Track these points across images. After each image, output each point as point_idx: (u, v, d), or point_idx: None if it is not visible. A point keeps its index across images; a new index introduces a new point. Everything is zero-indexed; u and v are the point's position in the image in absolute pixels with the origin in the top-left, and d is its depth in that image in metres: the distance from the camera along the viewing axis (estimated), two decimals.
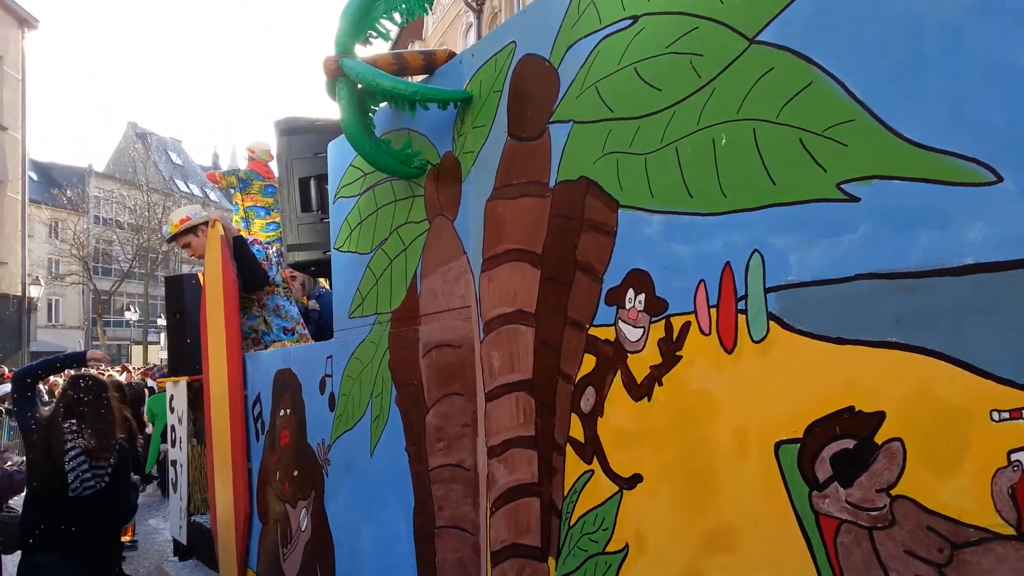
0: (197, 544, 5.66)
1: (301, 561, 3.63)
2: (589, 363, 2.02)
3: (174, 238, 4.97)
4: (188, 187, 56.05)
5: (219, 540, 4.50)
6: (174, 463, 5.61)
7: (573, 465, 2.07)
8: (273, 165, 6.86)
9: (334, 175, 3.43)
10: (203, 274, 6.26)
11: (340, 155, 3.38)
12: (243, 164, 7.17)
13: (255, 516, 4.19)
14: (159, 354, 36.33)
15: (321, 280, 6.42)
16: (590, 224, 2.03)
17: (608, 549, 1.94)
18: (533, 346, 2.23)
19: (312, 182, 3.97)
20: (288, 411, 3.77)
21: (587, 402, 2.02)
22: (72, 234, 40.14)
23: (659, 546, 1.81)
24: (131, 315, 40.16)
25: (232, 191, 6.99)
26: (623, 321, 1.91)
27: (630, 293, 1.90)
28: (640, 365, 1.86)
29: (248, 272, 4.59)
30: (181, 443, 5.34)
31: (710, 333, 1.69)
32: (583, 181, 2.06)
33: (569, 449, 2.09)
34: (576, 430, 2.06)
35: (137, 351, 43.12)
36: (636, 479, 1.87)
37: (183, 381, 5.29)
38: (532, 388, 2.23)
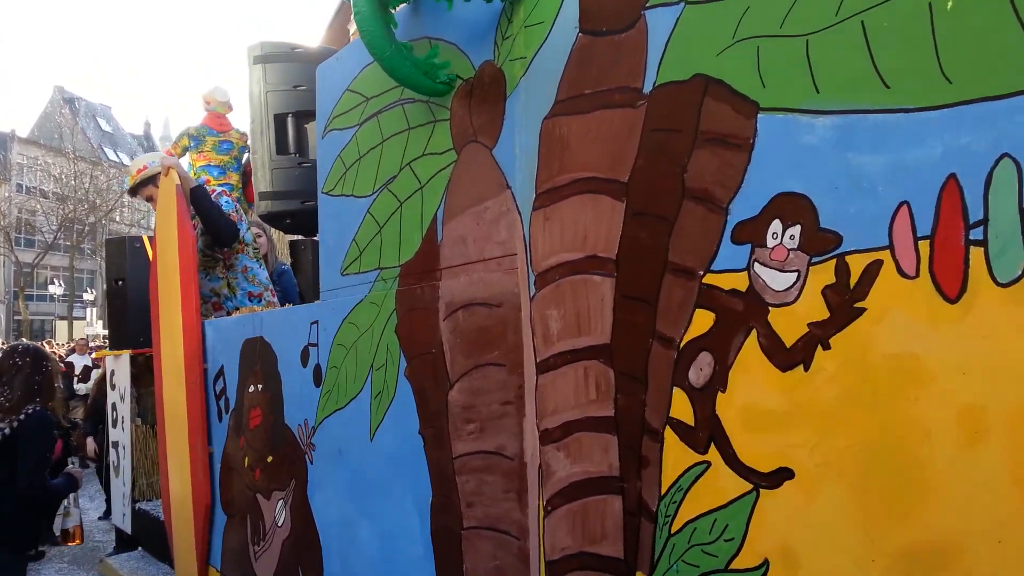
0: (143, 534, 5.05)
1: (279, 561, 3.08)
2: (703, 321, 1.54)
3: (135, 191, 4.33)
4: (118, 156, 53.63)
5: (174, 533, 3.91)
6: (115, 444, 4.98)
7: (676, 455, 1.59)
8: (233, 117, 6.17)
9: (324, 104, 2.86)
10: (149, 236, 5.62)
11: (333, 78, 2.81)
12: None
13: (218, 507, 3.61)
14: (84, 330, 34.76)
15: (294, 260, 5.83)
16: (710, 137, 1.54)
17: (735, 566, 1.47)
18: (612, 301, 1.73)
19: (289, 120, 3.38)
20: (260, 387, 3.21)
21: (700, 372, 1.54)
22: None
23: (823, 565, 1.34)
24: (55, 289, 38.37)
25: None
26: (763, 264, 1.43)
27: (775, 226, 1.41)
28: (791, 322, 1.38)
29: (213, 225, 3.98)
30: (123, 423, 4.72)
31: (917, 275, 1.22)
32: (699, 81, 1.56)
33: (670, 434, 1.60)
34: (681, 409, 1.58)
35: (62, 326, 41.18)
36: (783, 475, 1.39)
37: (126, 355, 4.65)
38: (610, 355, 1.74)
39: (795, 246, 1.38)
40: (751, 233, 1.45)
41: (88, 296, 41.59)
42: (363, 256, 2.63)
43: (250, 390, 3.27)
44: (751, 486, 1.44)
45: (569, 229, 1.85)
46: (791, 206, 1.39)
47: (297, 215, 3.42)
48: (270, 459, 3.16)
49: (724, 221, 1.50)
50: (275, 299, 4.41)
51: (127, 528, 5.10)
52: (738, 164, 1.48)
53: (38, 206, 41.60)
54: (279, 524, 3.09)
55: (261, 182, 3.39)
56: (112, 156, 52.32)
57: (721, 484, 1.50)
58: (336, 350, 2.73)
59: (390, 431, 2.48)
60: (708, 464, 1.52)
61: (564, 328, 1.85)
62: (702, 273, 1.54)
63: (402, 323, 2.42)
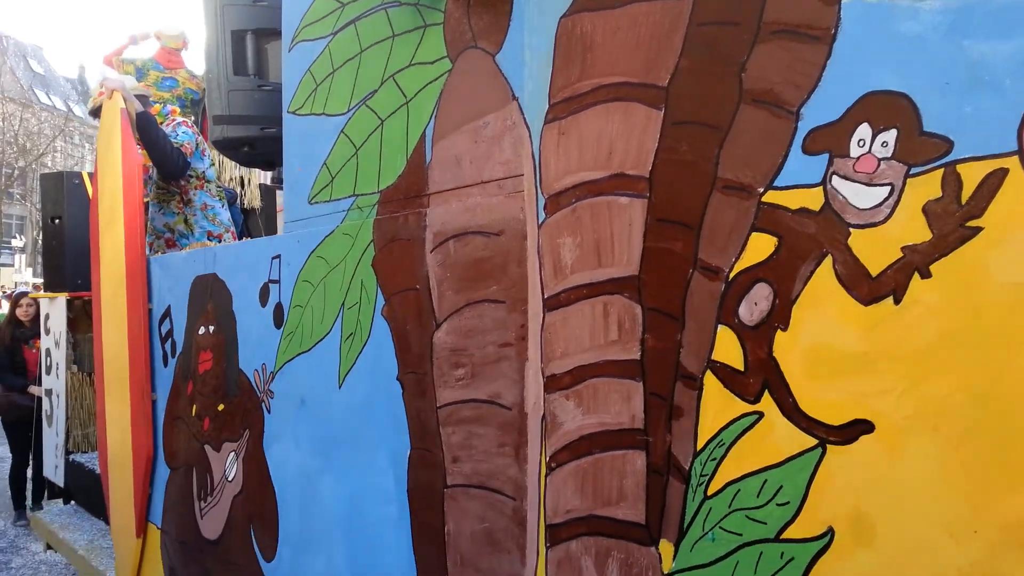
0: (76, 487, 4.74)
1: (227, 518, 2.81)
2: (761, 247, 1.30)
3: (96, 112, 3.92)
4: (50, 99, 51.31)
5: (111, 487, 3.59)
6: (49, 392, 4.61)
7: (718, 404, 1.36)
8: (187, 56, 5.74)
9: (292, 12, 2.53)
10: (88, 172, 5.20)
11: None
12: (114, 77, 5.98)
13: (160, 460, 3.30)
14: (12, 277, 33.41)
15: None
16: (777, 29, 1.29)
17: (789, 535, 1.25)
18: (643, 226, 1.49)
19: (249, 37, 3.03)
20: (211, 328, 2.90)
21: (754, 308, 1.31)
22: None
23: (906, 537, 1.13)
24: None
25: None
26: (844, 177, 1.20)
27: (862, 131, 1.18)
28: (879, 246, 1.16)
29: (158, 155, 3.61)
30: (58, 369, 4.36)
31: None
32: None
33: (711, 380, 1.37)
34: (727, 351, 1.35)
35: None
36: (859, 428, 1.17)
37: (61, 298, 4.27)
38: (637, 289, 1.50)
39: (888, 155, 1.15)
40: (830, 140, 1.21)
41: (17, 243, 39.95)
42: (335, 182, 2.33)
43: (200, 332, 2.96)
44: (815, 441, 1.22)
45: (590, 144, 1.59)
46: (884, 107, 1.16)
47: (256, 142, 3.08)
48: (221, 407, 2.86)
49: (794, 127, 1.26)
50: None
51: (59, 481, 4.77)
52: (814, 59, 1.24)
53: None
54: (229, 479, 2.81)
55: (216, 105, 3.04)
56: (44, 99, 50.05)
57: (776, 439, 1.27)
58: (301, 287, 2.45)
59: (363, 377, 2.21)
60: (759, 415, 1.30)
61: (580, 258, 1.60)
62: (762, 190, 1.30)
63: (380, 256, 2.14)
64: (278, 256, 2.57)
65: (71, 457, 4.74)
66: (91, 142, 53.19)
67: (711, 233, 1.37)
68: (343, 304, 2.28)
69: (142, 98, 3.92)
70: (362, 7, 2.24)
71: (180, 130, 3.90)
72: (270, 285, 2.60)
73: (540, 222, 1.70)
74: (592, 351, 1.58)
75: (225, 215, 4.16)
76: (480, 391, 1.85)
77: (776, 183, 1.28)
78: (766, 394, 1.29)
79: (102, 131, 3.70)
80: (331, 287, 2.32)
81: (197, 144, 3.99)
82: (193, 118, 5.16)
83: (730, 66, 1.35)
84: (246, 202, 6.02)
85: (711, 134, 1.38)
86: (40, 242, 43.85)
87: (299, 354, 2.46)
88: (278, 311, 2.56)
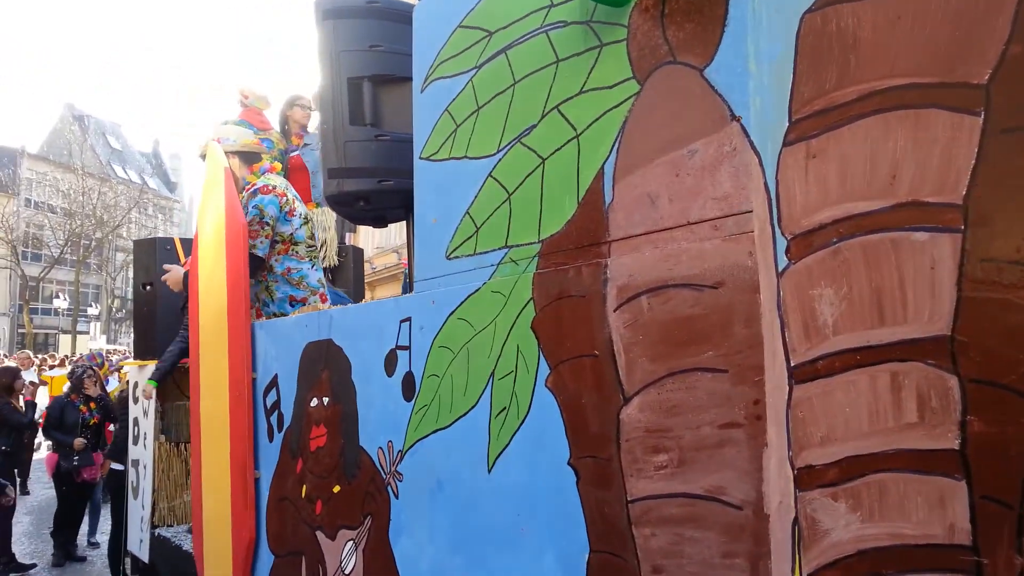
0: (162, 562, 4.44)
1: None
2: None
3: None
4: (127, 173, 53.56)
5: (206, 571, 3.27)
6: (136, 463, 4.37)
7: None
8: (269, 114, 5.63)
9: (425, 49, 2.27)
10: (180, 238, 5.07)
11: (437, 15, 2.24)
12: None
13: (263, 544, 2.97)
14: (88, 344, 34.32)
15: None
16: None
17: None
18: (956, 268, 1.12)
19: (365, 85, 2.79)
20: (327, 400, 2.59)
21: None
22: (0, 216, 37.61)
23: None
24: (60, 303, 37.99)
25: None
26: None
27: None
28: None
29: None
30: (146, 439, 4.12)
31: None
32: None
33: None
34: None
35: (65, 340, 40.59)
36: None
37: (151, 365, 4.04)
38: (950, 354, 1.12)
39: None
40: None
41: (92, 311, 41.19)
42: (481, 233, 2.03)
43: (312, 404, 2.65)
44: None
45: (859, 166, 1.24)
46: None
47: (372, 196, 2.82)
48: (337, 489, 2.53)
49: None
50: (327, 306, 3.78)
51: (144, 555, 4.48)
52: None
53: (46, 221, 41.46)
54: (347, 571, 2.46)
55: (331, 157, 2.79)
56: (121, 173, 52.25)
57: None
58: (437, 354, 2.12)
59: (520, 460, 1.86)
60: None
61: (849, 314, 1.24)
62: None
63: (544, 316, 1.81)
64: (408, 319, 2.26)
65: (156, 531, 4.48)
66: (164, 213, 55.25)
67: None
68: (492, 374, 1.94)
69: (252, 155, 3.72)
70: (514, 33, 1.96)
71: (251, 204, 3.61)
72: (398, 352, 2.29)
73: (780, 270, 1.34)
74: (875, 437, 1.20)
75: (314, 277, 3.88)
76: (693, 484, 1.47)
77: None
78: None
79: (207, 183, 3.49)
80: (477, 354, 2.00)
81: (281, 207, 3.71)
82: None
83: None
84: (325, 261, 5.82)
85: None
86: (114, 310, 45.02)
87: (435, 431, 2.13)
88: (408, 381, 2.24)
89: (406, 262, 4.31)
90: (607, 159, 1.69)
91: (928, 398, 1.14)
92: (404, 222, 3.30)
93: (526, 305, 1.86)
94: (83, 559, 7.52)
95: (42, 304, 42.15)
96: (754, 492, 1.37)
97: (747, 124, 1.42)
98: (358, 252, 5.82)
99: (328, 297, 3.94)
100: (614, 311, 1.65)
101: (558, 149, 1.82)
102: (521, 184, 1.91)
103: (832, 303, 1.26)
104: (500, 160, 1.98)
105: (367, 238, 20.72)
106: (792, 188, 1.33)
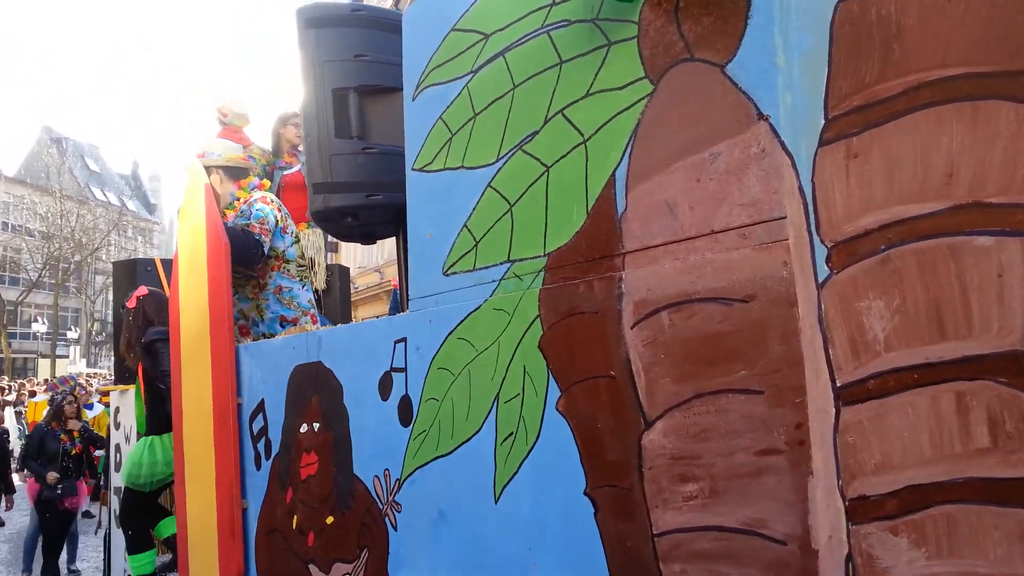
0: None
1: None
2: None
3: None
4: (105, 195, 53.02)
5: None
6: (118, 491, 4.19)
7: None
8: (249, 131, 5.46)
9: (415, 55, 2.15)
10: (159, 259, 4.92)
11: (429, 20, 2.11)
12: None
13: None
14: (67, 367, 33.89)
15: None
16: None
17: None
18: None
19: (351, 96, 2.66)
20: (316, 426, 2.44)
21: None
22: None
23: None
24: (39, 327, 37.46)
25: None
26: None
27: None
28: None
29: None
30: None
31: None
32: None
33: None
34: None
35: (44, 364, 40.00)
36: None
37: (132, 390, 3.88)
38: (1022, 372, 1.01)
39: None
40: None
41: (72, 334, 40.63)
42: (481, 247, 1.90)
43: (302, 430, 2.50)
44: None
45: (908, 166, 1.13)
46: None
47: (360, 211, 2.69)
48: (330, 520, 2.38)
49: None
50: (318, 327, 3.64)
51: None
52: None
53: (23, 244, 40.88)
54: None
55: (316, 172, 2.66)
56: (99, 195, 51.70)
57: None
58: (436, 376, 1.99)
59: (530, 489, 1.73)
60: None
61: (903, 328, 1.12)
62: None
63: (553, 335, 1.68)
64: (403, 339, 2.12)
65: None
66: (144, 235, 54.72)
67: None
68: (497, 397, 1.81)
69: (239, 171, 3.61)
70: (513, 35, 1.84)
71: (255, 208, 3.52)
72: (393, 374, 2.15)
73: (821, 280, 1.23)
74: (939, 464, 1.08)
75: (305, 297, 3.75)
76: (728, 516, 1.35)
77: None
78: None
79: (186, 202, 3.34)
80: (479, 376, 1.86)
81: (277, 221, 3.60)
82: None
83: None
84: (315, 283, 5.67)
85: None
86: (94, 333, 44.38)
87: (435, 458, 1.99)
88: (404, 406, 2.10)
89: (395, 281, 4.18)
90: (618, 165, 1.57)
91: (1001, 420, 1.03)
92: (386, 240, 3.18)
93: (532, 323, 1.74)
94: None
95: (20, 328, 41.52)
96: (799, 525, 1.25)
97: (776, 123, 1.31)
98: (344, 271, 5.66)
99: (319, 319, 3.81)
100: (631, 328, 1.52)
101: (564, 156, 1.70)
102: (524, 194, 1.79)
103: (883, 316, 1.15)
104: (500, 169, 1.86)
105: (348, 257, 20.46)
106: (831, 191, 1.22)
